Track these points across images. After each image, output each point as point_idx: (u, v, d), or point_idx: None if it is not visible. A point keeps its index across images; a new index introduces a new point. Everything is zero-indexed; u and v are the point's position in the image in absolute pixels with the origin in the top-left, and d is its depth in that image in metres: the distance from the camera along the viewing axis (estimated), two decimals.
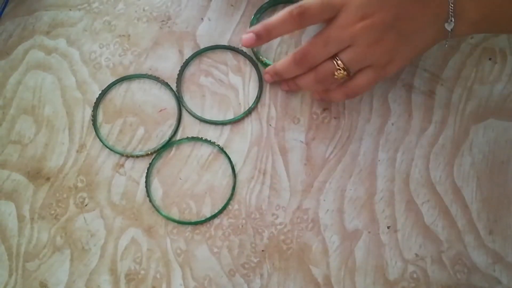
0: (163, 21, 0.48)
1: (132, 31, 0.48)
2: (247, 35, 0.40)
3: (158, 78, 0.46)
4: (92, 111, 0.46)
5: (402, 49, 0.38)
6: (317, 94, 0.44)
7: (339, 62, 0.38)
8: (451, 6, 0.36)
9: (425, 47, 0.39)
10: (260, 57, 0.46)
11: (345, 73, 0.39)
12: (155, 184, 0.44)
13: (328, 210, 0.43)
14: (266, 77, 0.45)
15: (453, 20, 0.36)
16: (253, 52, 0.46)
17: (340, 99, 0.42)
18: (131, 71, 0.47)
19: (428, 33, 0.38)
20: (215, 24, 0.48)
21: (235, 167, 0.44)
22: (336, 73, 0.39)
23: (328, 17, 0.37)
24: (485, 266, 0.42)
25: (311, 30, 0.47)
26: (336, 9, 0.37)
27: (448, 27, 0.37)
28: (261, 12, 0.48)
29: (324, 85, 0.41)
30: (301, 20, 0.37)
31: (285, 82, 0.45)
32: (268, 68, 0.45)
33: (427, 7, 0.36)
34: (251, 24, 0.47)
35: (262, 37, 0.40)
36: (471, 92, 0.45)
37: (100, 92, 0.46)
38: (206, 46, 0.47)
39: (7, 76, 0.47)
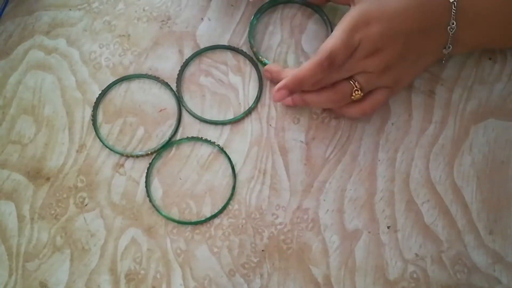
0: (163, 21, 0.48)
1: (132, 31, 0.48)
2: (280, 93, 0.41)
3: (158, 78, 0.46)
4: (92, 111, 0.46)
5: (407, 72, 0.42)
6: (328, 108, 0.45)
7: (356, 83, 0.41)
8: (450, 36, 0.40)
9: (425, 67, 0.44)
10: (260, 57, 0.46)
11: (361, 94, 0.41)
12: (155, 184, 0.44)
13: (328, 210, 0.43)
14: (266, 74, 0.45)
15: (450, 47, 0.41)
16: (253, 52, 0.46)
17: (356, 115, 0.44)
18: (131, 71, 0.47)
19: (428, 58, 0.42)
20: (215, 24, 0.48)
21: (235, 167, 0.44)
22: (354, 94, 0.41)
23: (350, 55, 0.40)
24: (485, 266, 0.42)
25: (311, 30, 0.47)
26: (355, 46, 0.39)
27: (446, 51, 0.42)
28: (261, 13, 0.48)
29: (337, 104, 0.43)
30: (331, 68, 0.39)
31: (289, 97, 0.44)
32: (275, 76, 0.45)
33: (430, 38, 0.41)
34: (251, 24, 0.47)
35: (295, 91, 0.41)
36: (471, 92, 0.45)
37: (100, 92, 0.46)
38: (206, 46, 0.47)
39: (7, 76, 0.47)
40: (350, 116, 0.45)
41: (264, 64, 0.46)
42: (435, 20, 0.40)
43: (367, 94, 0.42)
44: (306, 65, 0.40)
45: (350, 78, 0.41)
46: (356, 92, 0.41)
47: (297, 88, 0.41)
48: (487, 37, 0.42)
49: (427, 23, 0.40)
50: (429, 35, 0.40)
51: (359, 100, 0.42)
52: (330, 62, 0.39)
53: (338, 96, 0.42)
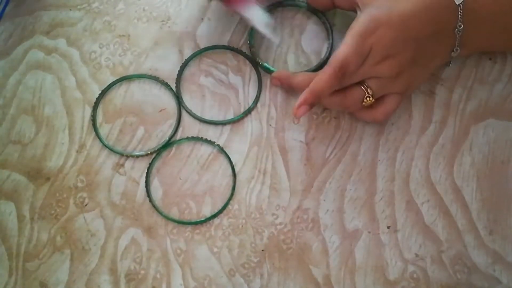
0: (163, 21, 0.48)
1: (132, 31, 0.48)
2: (302, 109, 0.40)
3: (158, 78, 0.46)
4: (92, 111, 0.46)
5: (418, 77, 0.42)
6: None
7: (368, 89, 0.41)
8: (458, 38, 0.41)
9: (433, 70, 0.44)
10: (257, 58, 0.46)
11: (373, 100, 0.41)
12: (155, 184, 0.44)
13: (328, 210, 0.43)
14: (274, 81, 0.45)
15: (458, 49, 0.42)
16: (251, 52, 0.46)
17: (368, 121, 0.44)
18: (131, 71, 0.47)
19: (437, 61, 0.43)
20: (215, 24, 0.48)
21: (235, 167, 0.44)
22: (365, 100, 0.41)
23: (362, 62, 0.40)
24: (485, 266, 0.42)
25: (311, 30, 0.47)
26: (367, 53, 0.39)
27: (454, 54, 0.42)
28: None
29: (347, 109, 0.43)
30: (344, 76, 0.39)
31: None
32: (283, 77, 0.45)
33: (439, 41, 0.41)
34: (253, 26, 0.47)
35: (314, 104, 0.41)
36: (471, 92, 0.45)
37: (100, 92, 0.46)
38: (206, 46, 0.47)
39: (7, 76, 0.47)
40: (363, 120, 0.45)
41: (262, 66, 0.46)
42: (443, 23, 0.40)
43: (378, 100, 0.42)
44: (322, 77, 0.39)
45: (362, 82, 0.41)
46: (368, 98, 0.41)
47: (317, 101, 0.40)
48: (494, 39, 0.42)
49: (436, 27, 0.40)
50: (438, 38, 0.40)
51: (371, 106, 0.42)
52: (343, 70, 0.39)
53: (349, 101, 0.42)
